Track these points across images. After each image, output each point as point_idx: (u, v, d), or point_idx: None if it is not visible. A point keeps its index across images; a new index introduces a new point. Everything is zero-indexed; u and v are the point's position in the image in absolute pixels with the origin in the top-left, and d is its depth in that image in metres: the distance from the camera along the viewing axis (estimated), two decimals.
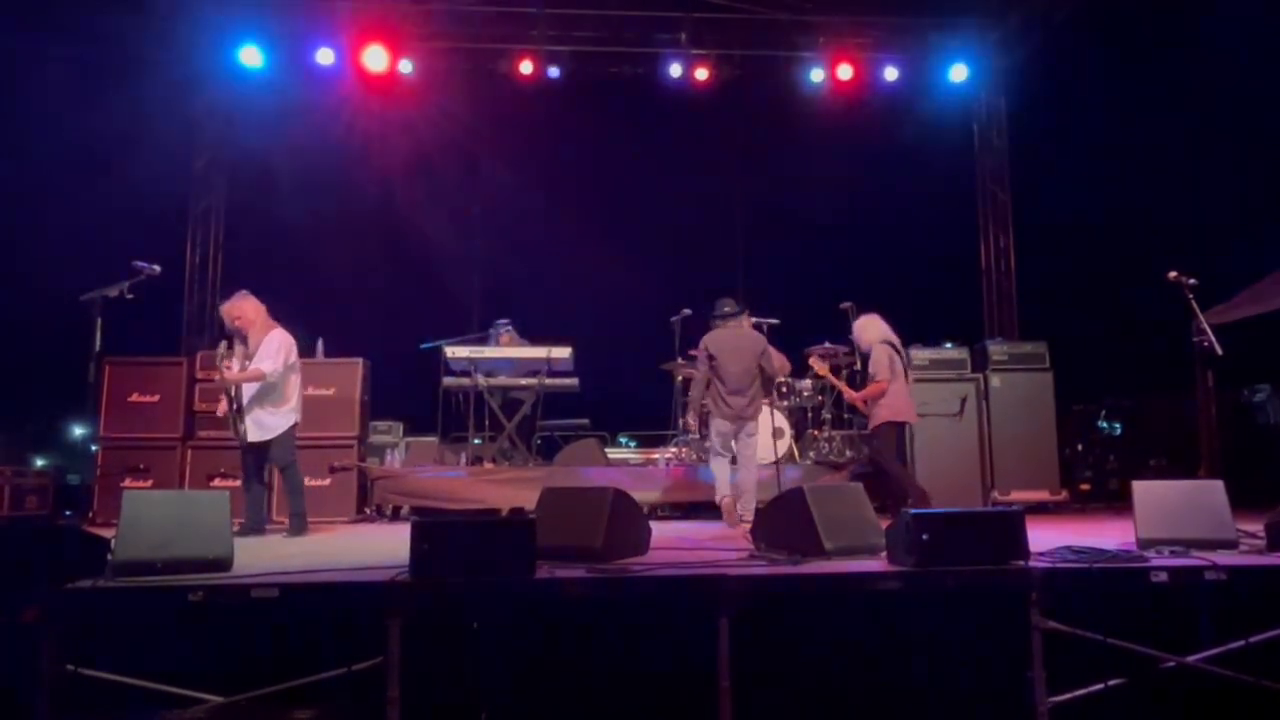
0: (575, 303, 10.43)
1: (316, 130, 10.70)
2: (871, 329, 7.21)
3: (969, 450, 8.09)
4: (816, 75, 10.96)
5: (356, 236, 10.89)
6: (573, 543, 4.12)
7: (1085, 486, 10.23)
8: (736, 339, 6.91)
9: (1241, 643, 3.62)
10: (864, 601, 3.69)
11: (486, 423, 8.72)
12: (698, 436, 8.10)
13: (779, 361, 9.21)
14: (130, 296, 5.54)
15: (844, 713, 3.60)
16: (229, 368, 6.25)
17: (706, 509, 7.48)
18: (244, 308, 6.31)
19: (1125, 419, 10.60)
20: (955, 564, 3.66)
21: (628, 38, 10.83)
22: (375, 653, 3.37)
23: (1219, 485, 4.38)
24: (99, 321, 5.42)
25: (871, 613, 3.69)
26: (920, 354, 8.29)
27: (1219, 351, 5.41)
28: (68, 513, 8.80)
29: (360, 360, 8.25)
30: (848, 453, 8.71)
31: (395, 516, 8.18)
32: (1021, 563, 3.72)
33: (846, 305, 8.03)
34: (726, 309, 6.96)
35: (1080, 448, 10.72)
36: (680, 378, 8.82)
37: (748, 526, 6.58)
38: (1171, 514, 4.25)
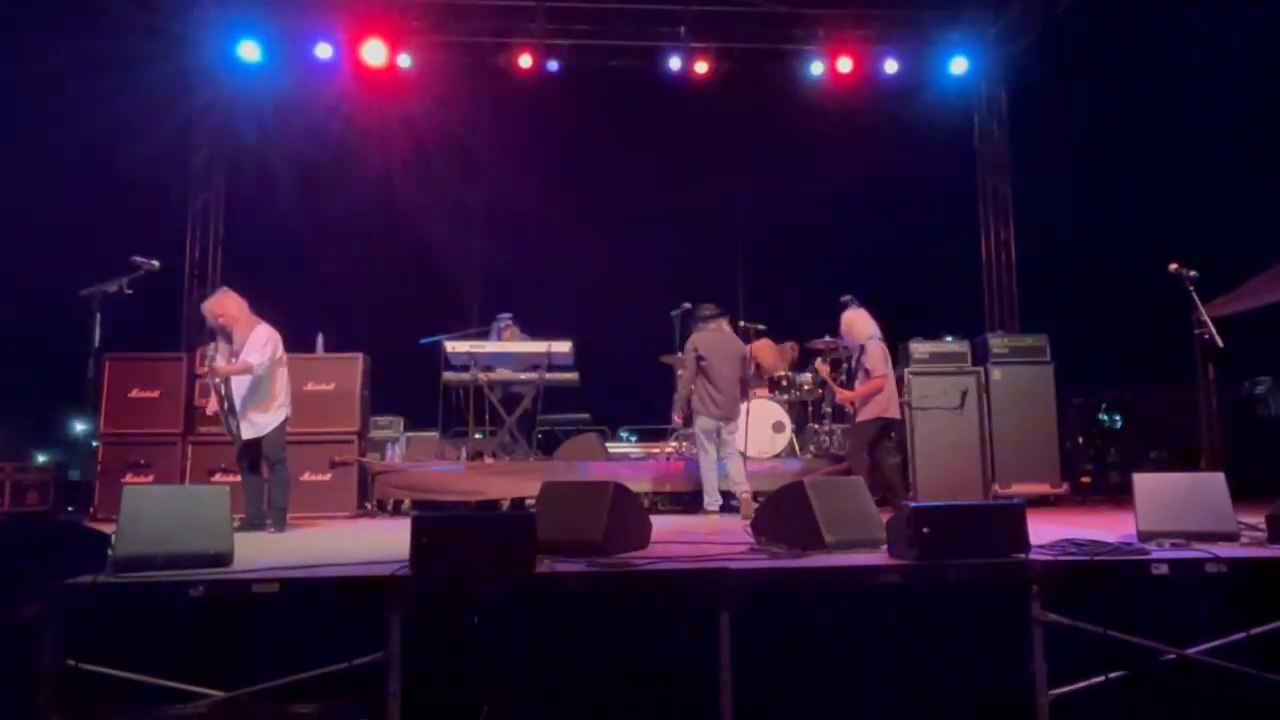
0: (575, 297, 10.43)
1: (316, 125, 10.69)
2: (862, 324, 7.21)
3: (970, 443, 8.08)
4: (816, 68, 10.92)
5: (356, 231, 10.89)
6: (573, 537, 4.12)
7: (1086, 479, 10.21)
8: (724, 341, 7.28)
9: (1242, 635, 3.62)
10: (865, 595, 3.69)
11: (487, 417, 8.71)
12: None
13: (784, 354, 9.26)
14: (129, 292, 5.53)
15: (846, 706, 3.60)
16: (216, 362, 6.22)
17: None
18: (226, 304, 6.27)
19: (1126, 412, 10.59)
20: (956, 557, 3.66)
21: (627, 31, 10.80)
22: (376, 647, 3.37)
23: (1220, 478, 4.37)
24: (98, 317, 5.40)
25: (872, 606, 3.69)
26: (921, 347, 8.28)
27: (1220, 344, 5.40)
28: (69, 508, 8.81)
29: (360, 355, 8.24)
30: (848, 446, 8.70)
31: (396, 511, 8.19)
32: (1022, 555, 3.72)
33: (846, 298, 7.99)
34: (708, 312, 7.32)
35: (1081, 441, 10.71)
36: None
37: (748, 501, 6.96)
38: (1172, 506, 4.25)
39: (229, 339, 6.24)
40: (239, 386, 6.21)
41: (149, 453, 7.93)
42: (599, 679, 3.55)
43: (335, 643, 3.39)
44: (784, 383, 8.95)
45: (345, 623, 3.45)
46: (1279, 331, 8.44)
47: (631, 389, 9.72)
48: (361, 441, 8.25)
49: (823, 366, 7.94)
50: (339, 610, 3.50)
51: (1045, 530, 4.59)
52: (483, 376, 8.51)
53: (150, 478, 7.79)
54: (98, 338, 5.41)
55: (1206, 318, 5.49)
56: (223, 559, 3.82)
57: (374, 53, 10.45)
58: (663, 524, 6.11)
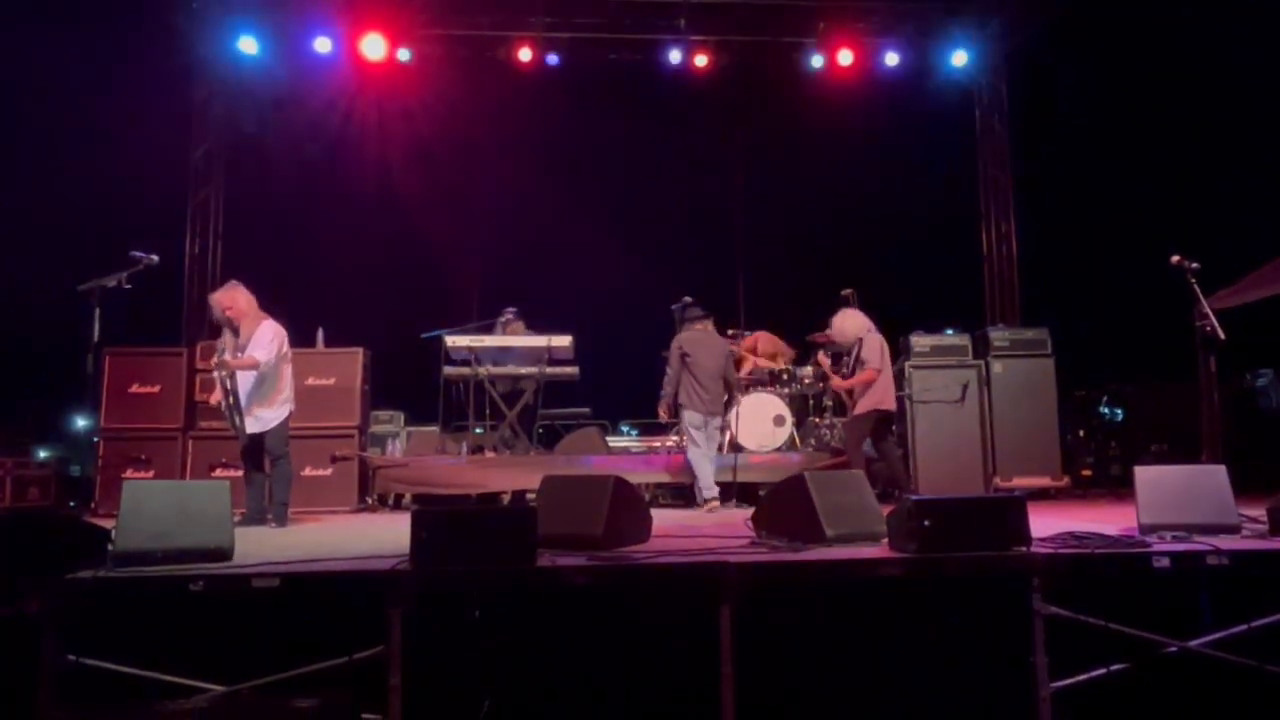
0: (575, 290, 10.40)
1: (315, 119, 10.67)
2: (852, 323, 7.34)
3: (970, 437, 8.07)
4: (816, 61, 10.90)
5: (356, 225, 10.87)
6: (574, 531, 4.12)
7: (1087, 472, 10.22)
8: (707, 339, 7.50)
9: (1244, 627, 3.62)
10: (866, 588, 3.69)
11: (487, 412, 8.71)
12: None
13: (783, 346, 9.28)
14: (128, 286, 5.52)
15: (846, 698, 3.60)
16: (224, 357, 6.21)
17: None
18: (236, 297, 6.26)
19: (1127, 405, 10.58)
20: (957, 550, 3.66)
21: (626, 24, 10.77)
22: (376, 641, 3.37)
23: (1221, 470, 4.37)
24: (97, 311, 5.40)
25: (873, 599, 3.68)
26: (921, 340, 8.28)
27: (1221, 336, 5.38)
28: (70, 504, 8.81)
29: (360, 350, 8.24)
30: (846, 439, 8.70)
31: (396, 506, 8.19)
32: (1023, 548, 3.72)
33: (847, 291, 8.01)
34: (694, 314, 7.57)
35: (1082, 433, 10.71)
36: None
37: (714, 507, 7.10)
38: (1173, 499, 4.24)
39: (235, 332, 6.23)
40: (244, 381, 6.20)
41: (149, 448, 7.93)
42: (600, 673, 3.55)
43: (335, 637, 3.39)
44: (785, 376, 8.95)
45: (345, 617, 3.45)
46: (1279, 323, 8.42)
47: (632, 383, 9.69)
48: (362, 436, 8.24)
49: (824, 359, 7.98)
50: (339, 605, 3.50)
51: (1046, 523, 4.59)
52: (483, 371, 8.51)
53: (151, 473, 7.79)
54: (97, 332, 5.40)
55: (1208, 310, 5.48)
56: (223, 554, 3.82)
57: (373, 47, 10.43)
58: (663, 517, 6.12)
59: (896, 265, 10.57)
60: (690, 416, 7.35)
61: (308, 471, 7.72)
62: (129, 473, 7.69)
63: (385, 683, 3.36)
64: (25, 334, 10.31)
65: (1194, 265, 5.60)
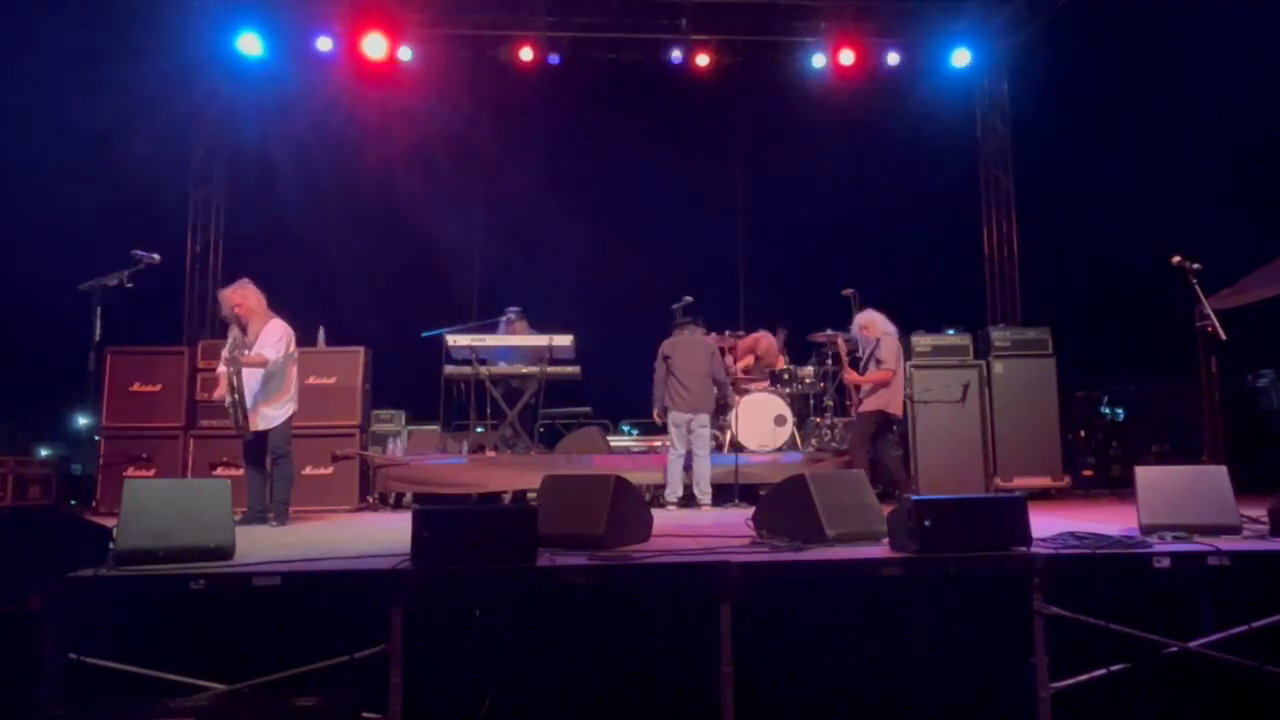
0: (576, 290, 10.41)
1: (317, 118, 10.66)
2: (879, 321, 7.40)
3: (971, 436, 8.07)
4: (818, 61, 10.90)
5: (357, 224, 10.88)
6: (574, 530, 4.12)
7: (1088, 472, 10.22)
8: (688, 340, 7.64)
9: (1244, 628, 3.62)
10: (866, 588, 3.69)
11: (488, 411, 8.71)
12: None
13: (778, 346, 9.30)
14: (130, 285, 5.52)
15: (846, 698, 3.60)
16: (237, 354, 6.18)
17: (712, 495, 7.53)
18: (246, 295, 6.28)
19: (1128, 405, 10.58)
20: (957, 550, 3.66)
21: (628, 23, 10.78)
22: (378, 640, 3.38)
23: (1222, 470, 4.36)
24: (99, 311, 5.40)
25: (874, 599, 3.68)
26: (923, 340, 8.28)
27: (1222, 336, 5.38)
28: (71, 502, 8.82)
29: (361, 349, 8.24)
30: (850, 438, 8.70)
31: (397, 505, 8.19)
32: (1024, 548, 3.72)
33: (849, 291, 8.02)
34: (683, 320, 7.77)
35: (1083, 434, 10.70)
36: None
37: (708, 507, 7.20)
38: (1174, 499, 4.24)
39: (243, 329, 6.21)
40: (251, 380, 6.19)
41: (151, 446, 7.94)
42: (600, 672, 3.55)
43: (336, 636, 3.40)
44: (785, 376, 8.95)
45: (346, 616, 3.45)
46: None
47: (633, 383, 9.69)
48: (363, 435, 8.24)
49: (844, 344, 7.97)
50: (340, 604, 3.50)
51: (1047, 523, 4.59)
52: (484, 370, 8.52)
53: (152, 471, 7.80)
54: (99, 331, 5.40)
55: (1209, 310, 5.48)
56: (224, 552, 3.82)
57: (374, 46, 10.44)
58: (664, 517, 6.12)
59: (898, 265, 10.57)
60: (673, 416, 7.50)
61: (309, 470, 7.72)
62: (130, 471, 7.70)
63: (386, 681, 3.36)
64: (27, 333, 10.32)
65: (1195, 266, 5.60)
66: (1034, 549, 3.74)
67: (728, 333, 9.09)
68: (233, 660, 3.38)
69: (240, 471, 6.55)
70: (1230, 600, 3.69)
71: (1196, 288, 5.59)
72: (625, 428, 10.45)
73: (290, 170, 10.47)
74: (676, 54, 10.80)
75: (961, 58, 11.03)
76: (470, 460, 8.21)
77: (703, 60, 10.84)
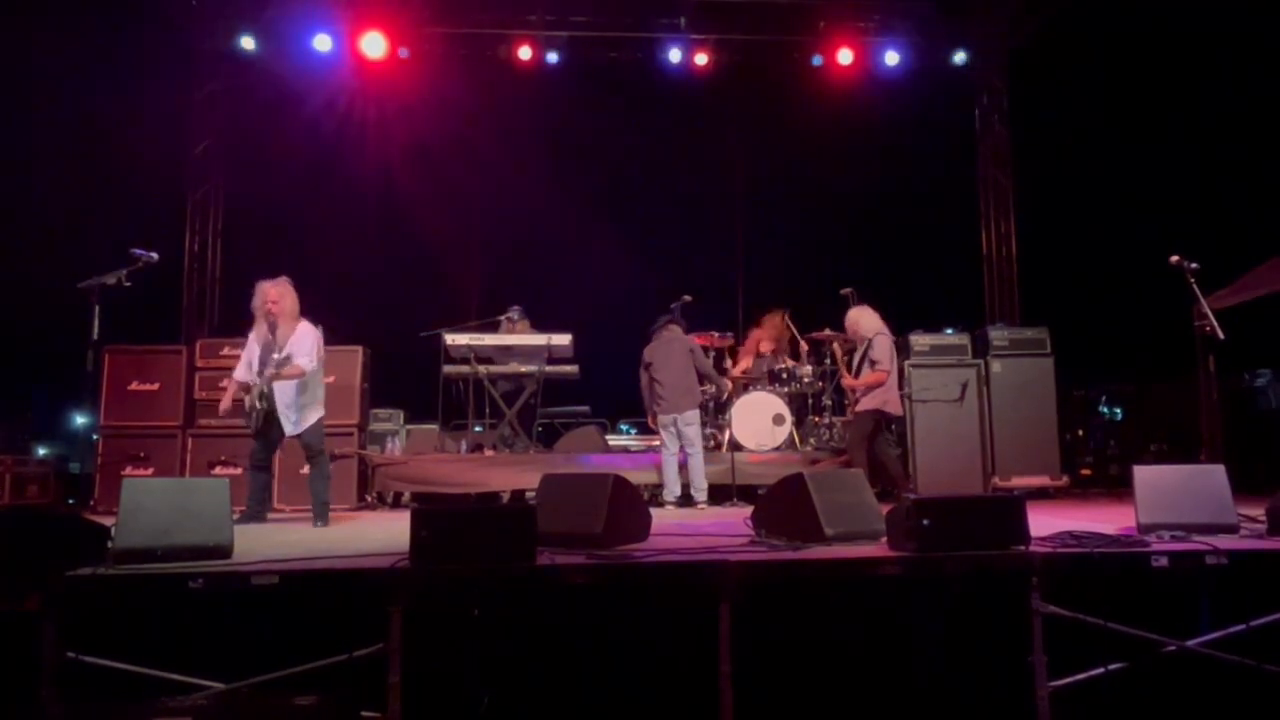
0: (575, 289, 10.40)
1: (315, 117, 10.66)
2: (869, 319, 7.38)
3: (970, 436, 8.07)
4: (817, 60, 10.90)
5: (356, 223, 10.87)
6: (573, 529, 4.12)
7: (1086, 472, 10.24)
8: (666, 343, 7.64)
9: (1242, 627, 3.62)
10: (864, 587, 3.69)
11: (487, 410, 8.71)
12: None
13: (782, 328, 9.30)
14: (128, 284, 5.50)
15: (845, 697, 3.61)
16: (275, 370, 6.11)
17: (710, 494, 7.56)
18: (285, 294, 6.21)
19: (1126, 404, 10.60)
20: (956, 549, 3.66)
21: (626, 22, 10.79)
22: (376, 639, 3.38)
23: (1220, 470, 4.37)
24: (96, 309, 5.39)
25: (872, 598, 3.68)
26: (921, 339, 8.28)
27: (1221, 336, 5.38)
28: (69, 501, 8.81)
29: (360, 348, 8.23)
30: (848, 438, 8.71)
31: (396, 504, 8.19)
32: (1022, 548, 3.72)
33: (847, 291, 8.02)
34: (662, 319, 7.78)
35: (1081, 433, 10.73)
36: None
37: (703, 505, 7.24)
38: (1172, 499, 4.24)
39: (272, 329, 6.15)
40: (286, 387, 6.13)
41: (149, 445, 7.92)
42: (599, 671, 3.55)
43: (335, 635, 3.39)
44: (784, 375, 8.95)
45: (345, 615, 3.45)
46: (1279, 323, 8.42)
47: (631, 382, 9.69)
48: (361, 434, 8.25)
49: (838, 348, 7.99)
50: (339, 603, 3.50)
51: (1045, 522, 4.59)
52: (482, 369, 8.51)
53: (150, 470, 7.79)
54: (96, 330, 5.39)
55: (1208, 310, 5.48)
56: (222, 551, 3.82)
57: (373, 45, 10.44)
58: (663, 516, 6.13)
59: (896, 264, 10.57)
60: (660, 419, 7.56)
61: (307, 469, 7.70)
62: (128, 470, 7.69)
63: (385, 680, 3.36)
64: (25, 331, 10.30)
65: (1193, 265, 5.60)
66: (1032, 548, 3.74)
67: (714, 335, 9.09)
68: (231, 659, 3.38)
69: (238, 470, 6.54)
70: (1228, 599, 3.69)
71: (1194, 287, 5.60)
72: (623, 427, 10.44)
73: (288, 169, 10.47)
74: (675, 53, 10.81)
75: (960, 57, 11.03)
76: (469, 459, 8.21)
77: (701, 59, 10.84)
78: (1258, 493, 5.09)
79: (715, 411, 8.83)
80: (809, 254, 11.01)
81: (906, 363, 8.14)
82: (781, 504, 4.52)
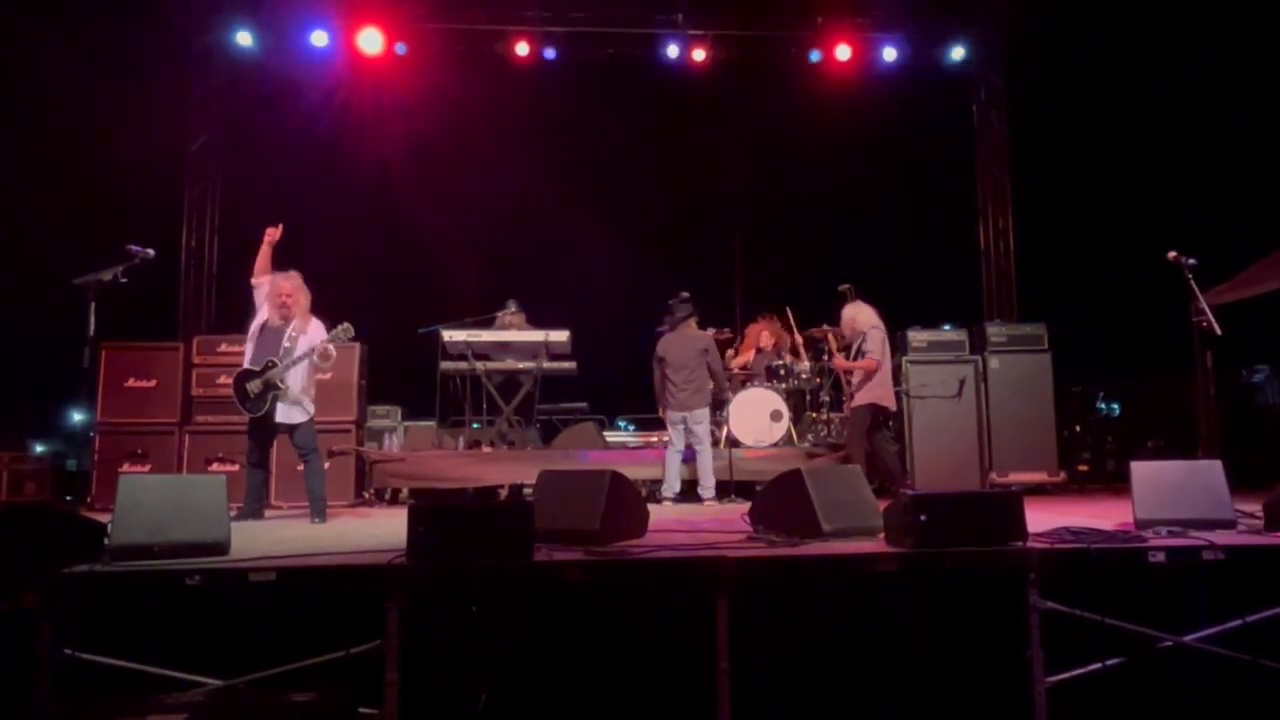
0: (572, 285, 10.39)
1: (312, 113, 10.64)
2: (865, 314, 7.40)
3: (967, 432, 8.08)
4: (814, 56, 10.89)
5: (353, 219, 10.84)
6: (570, 526, 4.12)
7: (1083, 468, 10.25)
8: (680, 339, 7.59)
9: (1239, 622, 3.62)
10: (862, 583, 3.69)
11: (484, 406, 8.70)
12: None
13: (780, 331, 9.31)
14: (125, 280, 5.50)
15: (842, 693, 3.61)
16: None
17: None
18: (300, 289, 6.23)
19: (1124, 400, 10.62)
20: (953, 545, 3.66)
21: (624, 18, 10.76)
22: (374, 636, 3.37)
23: (1217, 465, 4.37)
24: (93, 306, 5.38)
25: (870, 594, 3.69)
26: (919, 336, 8.28)
27: (1218, 332, 5.40)
28: (66, 498, 8.80)
29: (357, 344, 8.21)
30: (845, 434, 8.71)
31: (394, 500, 8.19)
32: (1020, 543, 3.72)
33: (845, 287, 8.02)
34: (680, 314, 7.68)
35: (1079, 429, 10.74)
36: None
37: (711, 503, 7.24)
38: (1169, 494, 4.25)
39: (285, 320, 6.13)
40: (300, 376, 6.14)
41: (146, 442, 7.92)
42: (596, 666, 3.55)
43: (332, 632, 3.39)
44: (782, 371, 8.95)
45: (342, 612, 3.45)
46: (1277, 319, 8.43)
47: (629, 378, 9.69)
48: (359, 431, 8.24)
49: (834, 338, 7.99)
50: (336, 599, 3.50)
51: (1042, 518, 4.59)
52: (480, 365, 8.51)
53: (147, 467, 7.78)
54: (93, 326, 5.39)
55: (1205, 306, 5.49)
56: (219, 548, 3.81)
57: (370, 41, 10.42)
58: (660, 512, 6.13)
59: (894, 260, 10.56)
60: (670, 415, 7.58)
61: (303, 466, 7.70)
62: (125, 467, 7.69)
63: (382, 677, 3.36)
64: (22, 328, 10.28)
65: (1191, 261, 5.61)
66: (1030, 544, 3.74)
67: (711, 330, 9.09)
68: (228, 655, 3.37)
69: (236, 467, 6.54)
70: (1225, 594, 3.69)
71: (1192, 284, 5.61)
72: (621, 423, 10.44)
73: (286, 165, 10.44)
74: (673, 49, 10.80)
75: (958, 54, 11.03)
76: (466, 456, 8.21)
77: (699, 55, 10.83)
78: (1255, 488, 5.09)
79: (713, 408, 8.82)
80: (807, 250, 11.00)
81: (905, 359, 8.16)
82: (779, 500, 4.53)
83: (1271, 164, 9.54)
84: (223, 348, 8.12)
